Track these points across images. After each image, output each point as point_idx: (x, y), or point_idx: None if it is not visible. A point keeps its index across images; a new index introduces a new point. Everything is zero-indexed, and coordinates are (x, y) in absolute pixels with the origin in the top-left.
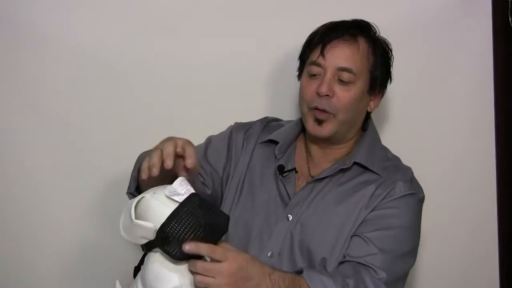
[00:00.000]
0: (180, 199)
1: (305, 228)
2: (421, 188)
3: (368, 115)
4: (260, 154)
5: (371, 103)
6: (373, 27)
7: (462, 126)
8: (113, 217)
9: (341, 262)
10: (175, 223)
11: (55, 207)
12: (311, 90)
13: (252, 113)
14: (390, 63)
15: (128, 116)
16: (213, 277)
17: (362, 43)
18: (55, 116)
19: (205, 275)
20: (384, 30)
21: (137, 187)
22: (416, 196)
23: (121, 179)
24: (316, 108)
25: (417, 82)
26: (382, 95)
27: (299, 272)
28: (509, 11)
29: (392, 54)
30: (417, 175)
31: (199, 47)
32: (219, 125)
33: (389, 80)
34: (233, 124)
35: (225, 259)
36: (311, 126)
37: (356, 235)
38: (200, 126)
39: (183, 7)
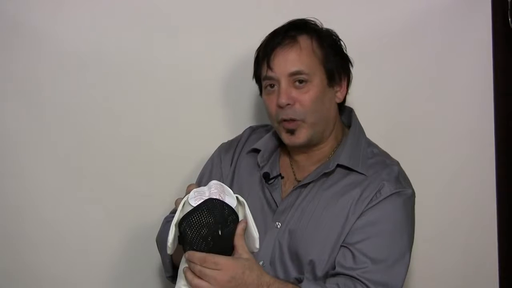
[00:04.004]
0: (197, 203)
1: (292, 234)
2: (409, 183)
3: (349, 108)
4: (246, 163)
5: (338, 94)
6: (311, 22)
7: (462, 127)
8: (112, 217)
9: (336, 274)
10: (185, 225)
11: (53, 208)
12: (273, 104)
13: (251, 114)
14: (341, 49)
15: (127, 116)
16: (208, 282)
17: (303, 40)
18: (54, 116)
19: (201, 279)
20: (384, 31)
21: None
22: (403, 193)
23: (121, 179)
24: (284, 120)
25: (417, 82)
26: (348, 82)
27: (299, 280)
28: (509, 12)
29: (340, 39)
30: (417, 175)
31: (198, 48)
32: (219, 126)
33: (349, 65)
34: (219, 146)
35: (219, 268)
36: (285, 138)
37: (347, 247)
38: (200, 126)
39: (182, 8)
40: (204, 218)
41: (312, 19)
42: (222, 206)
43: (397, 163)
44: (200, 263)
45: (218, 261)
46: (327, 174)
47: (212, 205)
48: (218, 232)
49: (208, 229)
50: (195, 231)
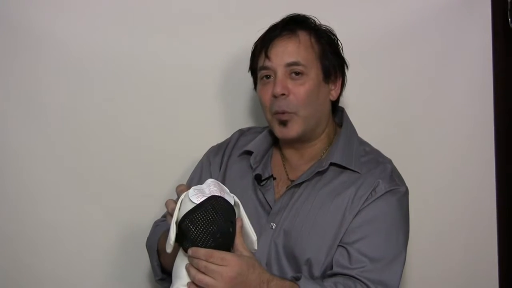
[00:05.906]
0: (199, 200)
1: (288, 235)
2: (403, 180)
3: (341, 108)
4: (238, 166)
5: (332, 92)
6: (312, 19)
7: (462, 126)
8: (112, 217)
9: (334, 274)
10: (189, 222)
11: (53, 208)
12: (268, 95)
13: (251, 114)
14: (339, 49)
15: (127, 116)
16: (213, 278)
17: (302, 35)
18: (54, 116)
19: (206, 275)
20: (383, 31)
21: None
22: (397, 191)
23: (120, 180)
24: (277, 112)
25: (417, 82)
26: (343, 82)
27: (297, 278)
28: (508, 12)
29: (338, 39)
30: (416, 175)
31: (198, 48)
32: (218, 126)
33: (345, 66)
34: (209, 149)
35: (225, 264)
36: (277, 130)
37: (344, 247)
38: (199, 127)
39: (181, 8)
40: (210, 215)
41: (312, 16)
42: (227, 204)
43: (390, 161)
44: (206, 259)
45: (225, 257)
46: (320, 173)
47: (217, 203)
48: (229, 229)
49: (217, 226)
50: (201, 227)
